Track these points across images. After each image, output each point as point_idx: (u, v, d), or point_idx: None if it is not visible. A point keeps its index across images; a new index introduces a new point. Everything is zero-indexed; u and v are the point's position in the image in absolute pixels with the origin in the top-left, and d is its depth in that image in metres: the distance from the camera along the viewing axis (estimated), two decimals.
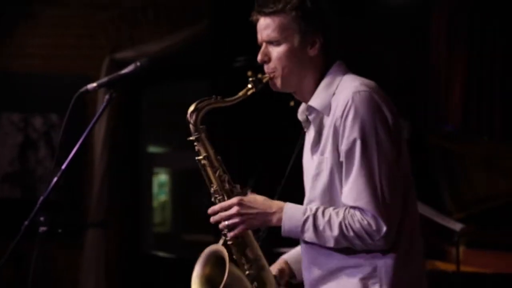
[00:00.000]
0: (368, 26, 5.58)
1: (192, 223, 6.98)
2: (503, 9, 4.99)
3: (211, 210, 2.21)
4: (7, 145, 5.96)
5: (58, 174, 2.52)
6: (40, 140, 5.98)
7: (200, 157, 2.29)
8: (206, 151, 2.29)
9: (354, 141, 2.07)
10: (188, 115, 2.29)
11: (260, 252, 2.29)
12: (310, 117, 2.22)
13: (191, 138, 2.30)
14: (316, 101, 2.20)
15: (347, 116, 2.09)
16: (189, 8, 6.03)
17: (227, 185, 2.27)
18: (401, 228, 2.08)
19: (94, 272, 5.89)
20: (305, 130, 2.30)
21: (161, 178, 7.14)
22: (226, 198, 2.24)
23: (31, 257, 2.64)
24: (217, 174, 2.27)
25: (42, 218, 2.53)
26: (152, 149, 6.94)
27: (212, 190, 2.27)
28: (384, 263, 2.08)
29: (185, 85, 6.41)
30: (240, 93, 2.27)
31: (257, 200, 2.19)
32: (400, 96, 5.45)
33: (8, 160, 5.95)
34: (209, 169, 2.28)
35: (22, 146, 5.98)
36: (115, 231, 6.10)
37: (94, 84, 2.54)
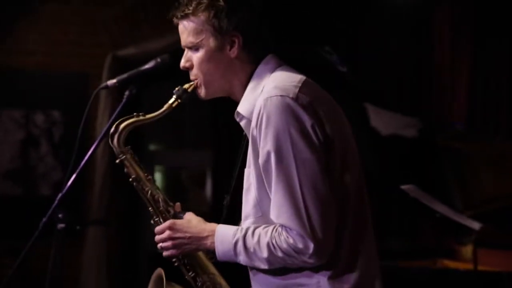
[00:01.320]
0: (372, 27, 5.59)
1: None
2: (507, 7, 5.00)
3: (155, 230, 2.14)
4: (8, 142, 5.92)
5: (77, 172, 2.51)
6: (41, 137, 5.95)
7: (130, 179, 2.23)
8: (135, 172, 2.24)
9: (268, 153, 1.92)
10: (109, 138, 2.23)
11: (213, 270, 2.20)
12: (242, 124, 2.09)
13: (117, 161, 2.25)
14: (243, 106, 2.06)
15: (260, 125, 1.93)
16: None
17: (161, 206, 2.20)
18: (340, 239, 1.95)
19: (95, 270, 5.86)
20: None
21: (157, 176, 7.12)
22: (162, 220, 2.17)
23: (32, 256, 2.62)
24: (149, 195, 2.21)
25: (60, 215, 2.52)
26: (153, 147, 6.92)
27: (150, 212, 2.22)
28: (327, 277, 1.95)
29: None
30: (165, 107, 2.22)
31: (190, 223, 2.08)
32: (405, 96, 5.50)
33: (9, 157, 5.90)
34: (142, 191, 2.23)
35: (23, 143, 5.94)
36: (116, 229, 6.07)
37: (114, 80, 2.53)
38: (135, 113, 2.21)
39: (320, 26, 5.30)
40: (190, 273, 2.17)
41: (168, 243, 2.08)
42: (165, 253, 2.11)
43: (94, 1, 6.04)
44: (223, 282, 2.20)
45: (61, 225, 2.50)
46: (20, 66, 5.95)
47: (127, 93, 2.49)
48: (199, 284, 2.18)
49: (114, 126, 2.22)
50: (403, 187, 3.34)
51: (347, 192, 1.97)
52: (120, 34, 6.03)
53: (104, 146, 5.90)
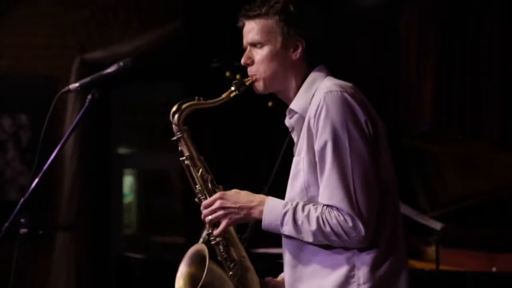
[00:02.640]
0: (338, 30, 5.61)
1: (158, 224, 6.95)
2: (470, 9, 5.06)
3: (203, 204, 2.24)
4: None
5: (40, 175, 2.49)
6: (8, 141, 5.90)
7: (183, 158, 2.30)
8: (189, 151, 2.31)
9: (326, 140, 2.10)
10: (171, 115, 2.30)
11: (244, 253, 2.30)
12: (292, 120, 2.26)
13: (173, 138, 2.31)
14: (296, 104, 2.24)
15: (319, 115, 2.12)
16: (160, 8, 6.00)
17: (210, 185, 2.29)
18: (381, 227, 2.10)
19: (64, 274, 5.83)
20: (292, 134, 2.32)
21: (127, 179, 7.10)
22: (208, 198, 2.25)
23: (5, 260, 2.60)
24: (199, 174, 2.29)
25: (22, 220, 2.51)
26: (122, 150, 6.90)
27: (196, 190, 2.29)
28: (362, 262, 2.10)
29: (156, 86, 6.38)
30: (223, 95, 2.30)
31: (239, 194, 2.21)
32: (371, 98, 5.51)
33: None
34: (192, 169, 2.31)
35: None
36: (85, 233, 6.04)
37: (76, 84, 2.52)
38: (196, 97, 2.31)
39: None
40: (223, 253, 2.28)
41: (220, 212, 2.19)
42: (217, 229, 2.20)
43: (62, 4, 6.00)
44: (251, 266, 2.30)
45: (23, 230, 2.48)
46: None
47: (89, 97, 2.49)
48: (230, 265, 2.28)
49: (177, 105, 2.30)
50: None
51: (389, 185, 2.15)
52: (88, 37, 6.01)
53: (72, 149, 5.89)
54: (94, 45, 5.96)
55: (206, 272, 2.22)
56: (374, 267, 2.10)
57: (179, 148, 2.32)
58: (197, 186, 2.29)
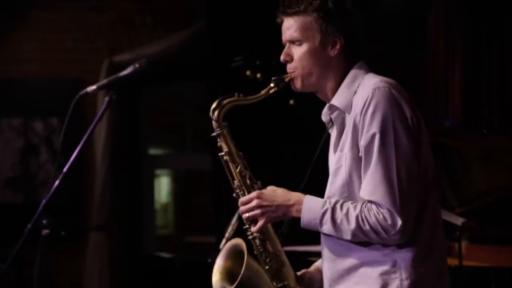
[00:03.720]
0: (365, 26, 5.59)
1: (194, 225, 6.99)
2: (499, 6, 5.01)
3: (240, 200, 2.27)
4: (8, 150, 5.97)
5: (60, 177, 2.54)
6: (41, 144, 6.00)
7: (222, 153, 2.32)
8: (228, 147, 2.32)
9: (373, 136, 2.10)
10: (211, 112, 2.31)
11: (280, 248, 2.31)
12: (333, 116, 2.27)
13: (213, 134, 2.33)
14: (338, 100, 2.24)
15: (366, 111, 2.12)
16: (185, 10, 6.04)
17: (248, 181, 2.30)
18: (421, 223, 2.11)
19: (97, 275, 5.90)
20: (329, 130, 2.33)
21: (163, 180, 7.15)
22: (246, 194, 2.28)
23: (32, 262, 2.65)
24: (238, 170, 2.31)
25: (44, 221, 2.55)
26: (153, 151, 6.96)
27: (234, 185, 2.31)
28: (403, 258, 2.10)
29: (184, 86, 6.43)
30: (263, 92, 2.31)
31: (276, 192, 2.23)
32: None
33: (9, 165, 5.96)
34: (230, 165, 2.32)
35: (23, 151, 5.99)
36: (117, 234, 6.11)
37: (94, 87, 2.56)
38: (236, 93, 2.32)
39: None
40: (259, 248, 2.29)
41: (257, 211, 2.21)
42: (255, 226, 2.23)
43: (88, 8, 6.08)
44: (286, 260, 2.31)
45: (45, 231, 2.53)
46: (17, 74, 6.01)
47: (107, 98, 2.52)
48: (266, 259, 2.29)
49: (218, 101, 2.31)
50: None
51: (430, 181, 2.15)
52: (116, 40, 6.08)
53: (103, 151, 5.96)
54: (121, 47, 6.02)
55: (245, 267, 2.25)
56: (415, 263, 2.10)
57: (218, 143, 2.33)
58: (235, 182, 2.31)
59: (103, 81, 2.55)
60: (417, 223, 2.10)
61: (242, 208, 2.24)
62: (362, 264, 2.15)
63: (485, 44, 5.01)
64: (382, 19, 5.49)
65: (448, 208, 3.77)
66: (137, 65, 2.51)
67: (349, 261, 2.17)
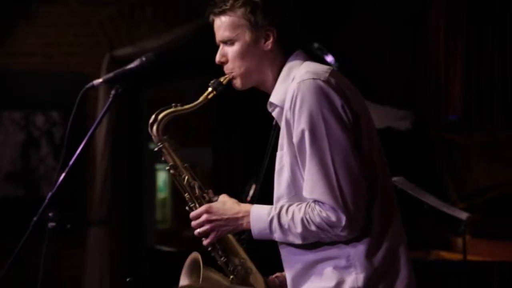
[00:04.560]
0: (366, 21, 5.59)
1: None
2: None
3: (190, 216, 2.21)
4: (9, 144, 5.96)
5: (66, 170, 2.53)
6: (42, 138, 5.99)
7: (168, 167, 2.29)
8: (172, 160, 2.29)
9: (302, 132, 2.03)
10: (149, 127, 2.28)
11: (244, 255, 2.26)
12: (274, 113, 2.20)
13: (155, 149, 2.30)
14: (275, 96, 2.18)
15: (294, 107, 2.05)
16: (187, 4, 6.03)
17: (197, 192, 2.26)
18: (370, 214, 2.05)
19: (98, 269, 5.89)
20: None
21: (161, 175, 7.14)
22: (197, 206, 2.23)
23: (32, 255, 2.64)
24: (185, 182, 2.27)
25: (50, 214, 2.55)
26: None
27: (186, 198, 2.27)
28: (356, 251, 2.05)
29: (185, 80, 6.42)
30: (201, 98, 2.27)
31: (226, 205, 2.17)
32: (400, 88, 5.51)
33: (10, 158, 5.95)
34: (178, 178, 2.29)
35: (24, 144, 5.98)
36: (118, 228, 6.10)
37: (100, 80, 2.55)
38: (173, 104, 2.30)
39: (313, 22, 5.31)
40: (222, 258, 2.24)
41: (207, 226, 2.16)
42: (205, 241, 2.18)
43: (90, 2, 6.07)
44: (253, 267, 2.26)
45: (51, 224, 2.53)
46: (19, 67, 5.99)
47: (113, 92, 2.51)
48: (231, 268, 2.24)
49: (154, 116, 2.28)
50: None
51: (376, 169, 2.08)
52: (117, 34, 6.06)
53: (104, 145, 5.96)
54: (122, 41, 6.01)
55: (202, 281, 2.20)
56: (369, 255, 2.04)
57: (163, 158, 2.30)
58: (186, 195, 2.27)
59: (109, 74, 2.53)
60: (367, 214, 2.04)
61: (192, 223, 2.19)
62: (318, 262, 2.10)
63: (486, 39, 5.01)
64: (383, 17, 5.49)
65: (450, 203, 3.78)
66: (143, 58, 2.50)
67: (306, 261, 2.12)
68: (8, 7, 5.94)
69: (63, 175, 2.53)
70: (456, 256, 3.78)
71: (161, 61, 2.60)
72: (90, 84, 2.55)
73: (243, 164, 6.14)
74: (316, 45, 3.84)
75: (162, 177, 7.20)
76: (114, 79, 2.53)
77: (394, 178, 3.30)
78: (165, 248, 6.34)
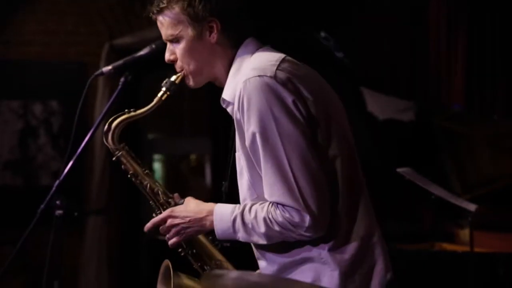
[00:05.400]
0: (369, 12, 5.58)
1: None
2: None
3: (146, 228, 2.15)
4: (7, 132, 5.93)
5: (74, 158, 2.52)
6: (40, 127, 5.95)
7: (129, 176, 2.26)
8: (132, 168, 2.26)
9: (253, 134, 1.95)
10: (103, 136, 2.24)
11: (220, 256, 2.21)
12: (228, 110, 2.11)
13: (113, 159, 2.27)
14: (227, 92, 2.09)
15: (242, 108, 1.96)
16: None
17: (161, 198, 2.21)
18: (335, 209, 1.97)
19: (95, 258, 5.88)
20: None
21: (155, 165, 7.12)
22: (163, 211, 2.17)
23: (35, 244, 2.62)
24: (148, 189, 2.23)
25: (58, 202, 2.54)
26: (151, 135, 6.93)
27: (152, 205, 2.24)
28: (327, 249, 1.98)
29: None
30: (155, 100, 2.22)
31: (188, 206, 2.10)
32: (402, 79, 5.51)
33: (8, 147, 5.92)
34: (140, 186, 2.25)
35: (22, 133, 5.95)
36: (116, 217, 6.09)
37: (109, 67, 2.54)
38: (126, 110, 2.24)
39: (318, 12, 5.29)
40: (197, 262, 2.19)
41: (171, 231, 2.10)
42: (170, 242, 2.12)
43: None
44: (230, 267, 2.22)
45: (59, 212, 2.52)
46: (18, 56, 5.95)
47: (122, 79, 2.50)
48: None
49: (107, 124, 2.23)
50: (399, 170, 3.35)
51: (337, 164, 1.99)
52: (117, 23, 6.03)
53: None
54: (122, 31, 5.98)
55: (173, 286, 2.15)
56: (340, 251, 1.99)
57: (122, 167, 2.26)
58: (150, 202, 2.23)
59: (119, 62, 2.52)
60: (332, 211, 1.97)
61: (160, 229, 2.12)
62: (292, 262, 2.03)
63: (488, 28, 5.00)
64: (385, 5, 5.48)
65: (454, 194, 3.77)
66: (153, 46, 2.49)
67: (280, 261, 2.05)
68: None
69: (70, 163, 2.52)
70: (460, 248, 3.78)
71: (160, 52, 2.57)
72: (99, 71, 2.54)
73: None
74: (322, 34, 3.81)
75: (157, 167, 7.19)
76: (124, 67, 2.51)
77: (402, 169, 3.29)
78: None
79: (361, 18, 5.55)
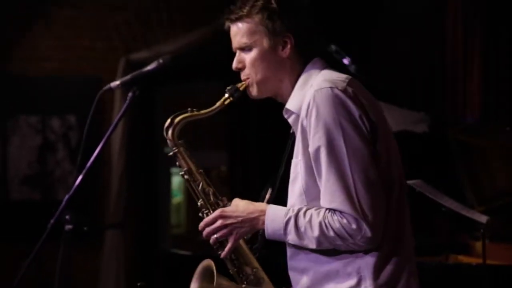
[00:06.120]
0: (384, 23, 5.58)
1: None
2: None
3: (200, 227, 2.17)
4: (26, 148, 5.99)
5: (84, 172, 2.53)
6: (58, 141, 6.01)
7: (182, 172, 2.27)
8: (187, 165, 2.27)
9: (319, 141, 2.00)
10: (164, 131, 2.26)
11: (257, 265, 2.23)
12: (290, 120, 2.17)
13: (169, 153, 2.28)
14: (291, 103, 2.14)
15: (310, 116, 2.02)
16: (202, 8, 6.04)
17: (212, 199, 2.23)
18: (385, 226, 2.00)
19: (113, 273, 5.90)
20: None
21: (175, 179, 7.13)
22: (211, 212, 2.20)
23: (51, 258, 2.64)
24: (200, 188, 2.25)
25: (67, 217, 2.55)
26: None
27: (198, 204, 2.25)
28: (366, 264, 2.02)
29: (200, 85, 6.42)
30: (217, 104, 2.24)
31: (239, 207, 2.13)
32: (417, 90, 5.48)
33: (27, 162, 5.98)
34: (192, 184, 2.26)
35: (40, 148, 6.01)
36: (133, 232, 6.11)
37: (117, 82, 2.56)
38: (189, 108, 2.28)
39: (332, 25, 5.29)
40: (234, 267, 2.22)
41: (224, 231, 2.12)
42: (222, 254, 2.16)
43: (106, 6, 6.09)
44: (265, 276, 2.22)
45: (68, 227, 2.53)
46: (35, 72, 6.02)
47: (130, 94, 2.51)
48: (243, 278, 2.21)
49: (169, 119, 2.25)
50: (409, 182, 3.33)
51: (393, 180, 2.05)
52: (133, 38, 6.08)
53: (119, 149, 5.97)
54: (138, 45, 6.02)
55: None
56: (378, 269, 2.01)
57: (177, 163, 2.27)
58: (199, 201, 2.25)
59: (127, 77, 2.54)
60: (384, 226, 2.00)
61: (207, 230, 2.14)
62: (327, 274, 2.06)
63: (504, 38, 4.97)
64: (400, 16, 5.47)
65: (469, 206, 3.74)
66: (161, 61, 2.50)
67: (314, 272, 2.08)
68: (24, 10, 5.97)
69: (80, 177, 2.53)
70: (475, 260, 3.74)
71: (177, 65, 2.59)
72: (107, 86, 2.56)
73: (260, 168, 6.11)
74: (333, 47, 3.81)
75: (176, 181, 7.20)
76: (132, 81, 2.53)
77: (412, 181, 3.28)
78: (181, 252, 6.33)
79: (377, 30, 5.55)
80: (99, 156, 2.59)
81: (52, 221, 2.52)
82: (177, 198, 7.20)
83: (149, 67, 2.52)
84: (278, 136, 5.42)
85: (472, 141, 4.00)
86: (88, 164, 2.50)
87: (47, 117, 6.01)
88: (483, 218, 3.23)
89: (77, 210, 2.59)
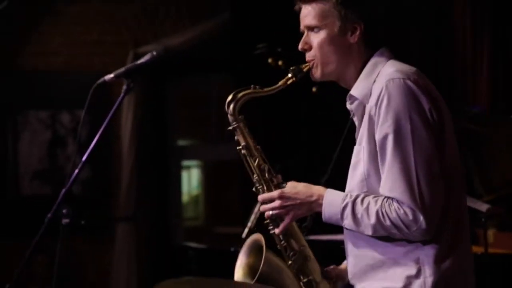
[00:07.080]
0: (391, 10, 5.53)
1: (223, 216, 6.98)
2: None
3: (259, 199, 2.22)
4: (36, 143, 6.02)
5: (79, 166, 2.55)
6: (68, 136, 6.03)
7: (240, 147, 2.27)
8: (245, 140, 2.27)
9: (387, 130, 2.04)
10: (226, 105, 2.25)
11: (304, 242, 2.27)
12: (352, 106, 2.20)
13: (229, 128, 2.28)
14: (357, 89, 2.17)
15: (380, 104, 2.05)
16: (210, 1, 6.04)
17: (267, 175, 2.25)
18: (445, 218, 2.04)
19: (125, 265, 5.93)
20: (353, 119, 2.26)
21: (193, 172, 7.15)
22: (265, 188, 2.23)
23: (64, 253, 2.65)
24: (256, 164, 2.26)
25: (64, 211, 2.56)
26: (181, 142, 6.96)
27: (253, 179, 2.27)
28: (427, 254, 2.05)
29: (210, 77, 6.43)
30: (280, 83, 2.25)
31: (297, 189, 2.17)
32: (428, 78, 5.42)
33: (37, 157, 6.01)
34: (249, 159, 2.27)
35: (50, 143, 6.03)
36: (144, 225, 6.14)
37: (111, 75, 2.57)
38: (252, 85, 2.26)
39: None
40: (282, 242, 2.24)
41: (282, 211, 2.16)
42: (277, 230, 2.19)
43: (114, 1, 6.11)
44: (311, 254, 2.27)
45: (65, 220, 2.54)
46: (44, 67, 6.05)
47: (124, 87, 2.52)
48: (290, 254, 2.24)
49: (232, 95, 2.24)
50: None
51: (454, 174, 2.08)
52: (141, 32, 6.09)
53: (130, 142, 5.99)
54: (147, 39, 6.03)
55: (263, 263, 2.21)
56: (438, 260, 2.04)
57: (236, 137, 2.28)
58: (254, 176, 2.26)
59: (121, 69, 2.54)
60: (442, 218, 2.03)
61: (264, 207, 2.19)
62: (385, 261, 2.10)
63: None
64: (408, 7, 5.43)
65: (476, 196, 3.71)
66: (154, 53, 2.51)
67: (372, 258, 2.12)
68: (33, 6, 6.00)
69: (76, 171, 2.55)
70: (477, 249, 3.71)
71: (180, 59, 2.59)
72: (102, 79, 2.57)
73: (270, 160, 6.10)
74: None
75: (195, 174, 7.22)
76: (126, 74, 2.53)
77: None
78: (192, 245, 6.35)
79: (385, 22, 5.50)
80: (103, 152, 2.58)
81: (49, 215, 2.53)
82: (195, 190, 7.22)
83: (142, 60, 2.53)
84: (284, 127, 5.40)
85: (479, 130, 3.95)
86: (83, 158, 2.51)
87: (57, 112, 6.03)
88: (483, 207, 3.20)
89: (88, 205, 2.60)
